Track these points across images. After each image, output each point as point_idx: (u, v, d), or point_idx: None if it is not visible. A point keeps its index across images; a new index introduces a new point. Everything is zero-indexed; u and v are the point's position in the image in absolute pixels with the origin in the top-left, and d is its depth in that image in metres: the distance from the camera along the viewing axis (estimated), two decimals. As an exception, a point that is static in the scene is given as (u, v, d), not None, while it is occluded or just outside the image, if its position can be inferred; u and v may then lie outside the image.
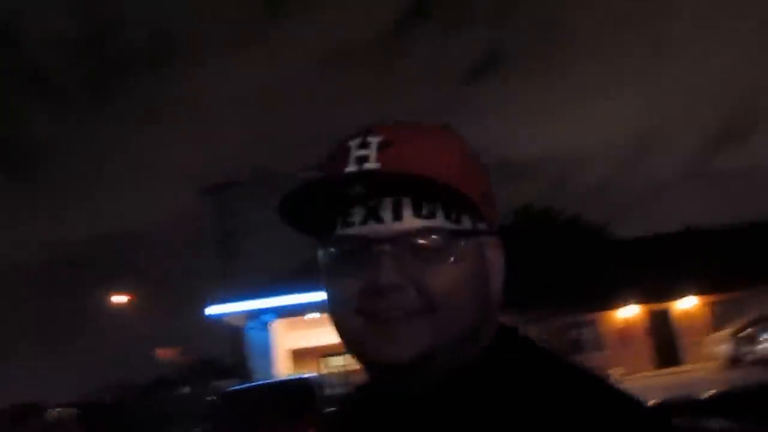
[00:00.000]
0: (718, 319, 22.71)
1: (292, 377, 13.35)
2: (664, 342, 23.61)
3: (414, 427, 0.72)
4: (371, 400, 0.79)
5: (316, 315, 19.90)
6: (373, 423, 0.78)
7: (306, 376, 12.39)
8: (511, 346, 0.75)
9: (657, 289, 22.97)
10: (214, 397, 12.09)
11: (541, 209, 25.36)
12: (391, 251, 0.69)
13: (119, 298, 27.86)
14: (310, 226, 0.76)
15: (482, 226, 0.74)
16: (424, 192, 0.70)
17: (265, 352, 19.55)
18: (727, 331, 19.75)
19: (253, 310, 19.49)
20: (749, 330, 18.50)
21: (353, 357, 0.74)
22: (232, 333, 23.42)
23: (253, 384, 12.93)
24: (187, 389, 23.40)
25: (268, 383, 12.51)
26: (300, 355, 22.16)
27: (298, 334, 21.21)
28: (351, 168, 0.72)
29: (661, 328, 23.83)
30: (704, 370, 18.76)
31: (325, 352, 22.95)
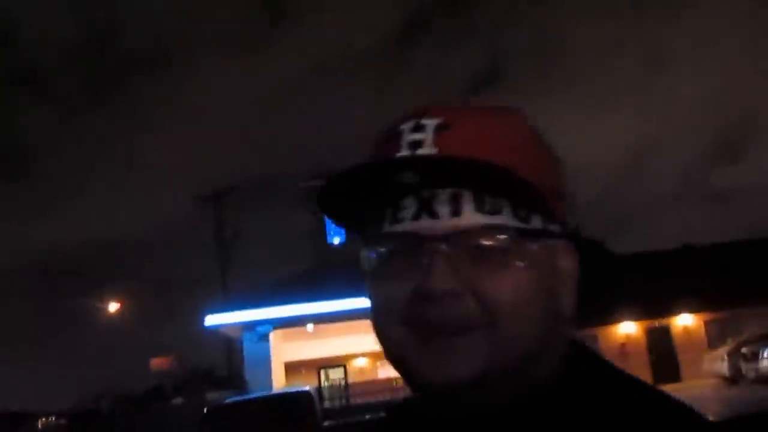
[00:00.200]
0: (715, 336, 22.67)
1: (290, 389, 13.16)
2: (664, 358, 23.55)
3: None
4: (421, 420, 0.68)
5: (313, 326, 19.74)
6: None
7: (305, 388, 12.21)
8: (583, 368, 0.65)
9: (656, 305, 22.97)
10: (208, 409, 11.93)
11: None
12: (446, 252, 0.59)
13: (113, 305, 27.57)
14: (353, 221, 0.67)
15: (554, 227, 0.64)
16: (489, 183, 0.59)
17: (262, 363, 19.32)
18: (726, 348, 19.69)
19: (250, 321, 19.29)
20: (749, 347, 18.43)
21: (398, 373, 0.64)
22: (227, 343, 23.18)
23: (249, 396, 12.71)
24: (179, 400, 23.11)
25: (265, 395, 12.32)
26: (298, 367, 21.94)
27: (296, 345, 21.01)
28: (403, 153, 0.62)
29: (661, 345, 23.78)
30: (704, 387, 18.68)
31: (324, 364, 22.76)
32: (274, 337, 19.93)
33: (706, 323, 23.94)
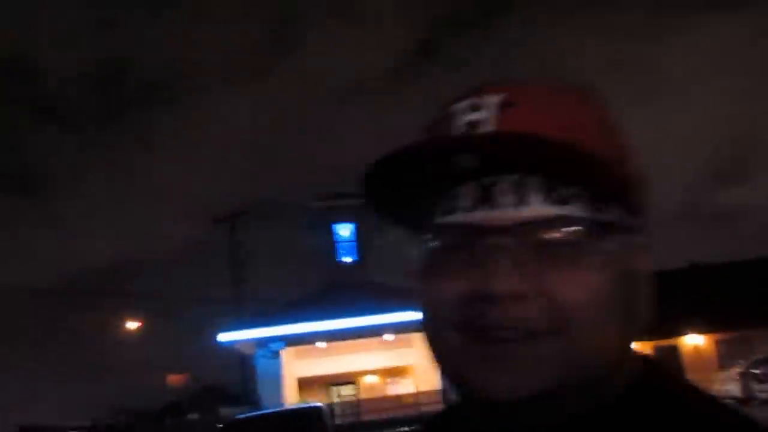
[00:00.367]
0: (724, 356, 22.68)
1: (302, 405, 13.48)
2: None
3: None
4: None
5: (325, 344, 20.13)
6: None
7: (316, 404, 12.52)
8: (658, 384, 0.57)
9: (664, 324, 23.01)
10: (223, 424, 12.28)
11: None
12: (510, 247, 0.51)
13: (131, 324, 28.18)
14: (399, 212, 0.59)
15: (633, 220, 0.56)
16: (563, 168, 0.51)
17: (275, 379, 19.74)
18: (737, 369, 19.74)
19: (263, 338, 19.75)
20: (761, 368, 18.48)
21: (452, 385, 0.57)
22: (241, 360, 23.63)
23: (262, 412, 13.07)
24: (194, 416, 23.55)
25: (277, 411, 12.61)
26: (309, 384, 22.29)
27: (307, 362, 21.39)
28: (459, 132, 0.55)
29: (671, 365, 23.78)
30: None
31: (335, 380, 23.07)
32: (287, 354, 20.35)
33: (716, 343, 23.94)
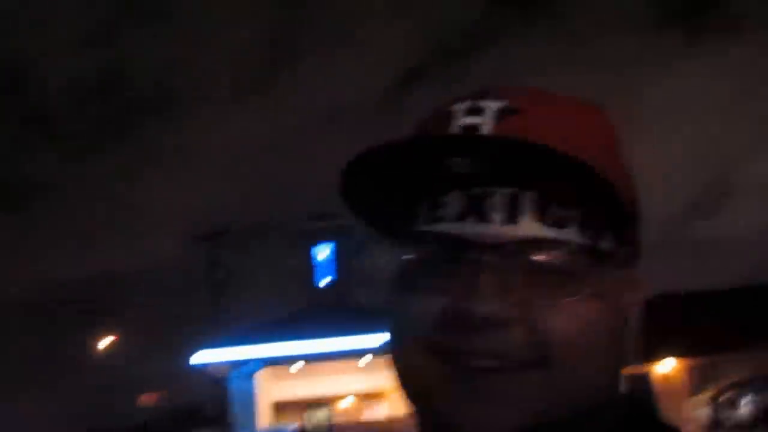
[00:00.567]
0: (695, 383, 23.02)
1: (277, 429, 13.46)
2: (643, 404, 23.79)
3: None
4: None
5: (300, 366, 20.03)
6: None
7: (291, 427, 12.52)
8: (643, 425, 0.54)
9: (636, 352, 23.30)
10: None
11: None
12: (497, 266, 0.48)
13: (103, 341, 27.80)
14: (379, 216, 0.55)
15: (627, 250, 0.54)
16: (559, 187, 0.48)
17: (249, 401, 19.58)
18: (706, 396, 20.02)
19: (237, 360, 19.62)
20: (728, 394, 18.77)
21: (417, 414, 0.53)
22: (214, 381, 23.40)
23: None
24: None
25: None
26: (285, 407, 22.14)
27: (283, 385, 21.27)
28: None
29: (642, 392, 24.06)
30: (683, 434, 18.92)
31: (310, 403, 22.92)
32: (262, 376, 20.23)
33: (688, 369, 24.31)
